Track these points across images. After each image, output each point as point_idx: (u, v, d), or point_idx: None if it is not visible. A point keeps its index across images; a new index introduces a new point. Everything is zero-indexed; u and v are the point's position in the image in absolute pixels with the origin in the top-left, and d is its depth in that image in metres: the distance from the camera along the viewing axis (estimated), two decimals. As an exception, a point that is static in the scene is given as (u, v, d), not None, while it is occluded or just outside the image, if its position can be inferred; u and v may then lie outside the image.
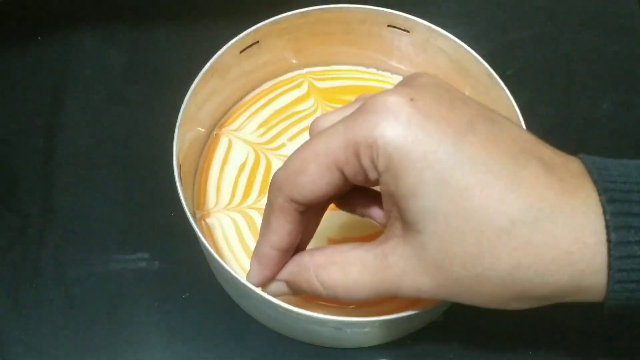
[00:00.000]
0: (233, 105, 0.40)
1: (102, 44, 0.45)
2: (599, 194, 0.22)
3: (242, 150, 0.38)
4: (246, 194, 0.37)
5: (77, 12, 0.46)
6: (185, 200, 0.30)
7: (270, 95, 0.41)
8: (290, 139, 0.39)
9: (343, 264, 0.25)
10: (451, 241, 0.22)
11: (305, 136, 0.39)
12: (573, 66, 0.46)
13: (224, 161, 0.38)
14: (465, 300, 0.25)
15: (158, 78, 0.44)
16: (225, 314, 0.36)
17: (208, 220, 0.36)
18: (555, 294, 0.23)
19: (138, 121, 0.42)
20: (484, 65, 0.35)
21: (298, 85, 0.41)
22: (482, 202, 0.22)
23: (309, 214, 0.27)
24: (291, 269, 0.27)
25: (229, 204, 0.37)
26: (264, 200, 0.36)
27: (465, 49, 0.36)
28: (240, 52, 0.36)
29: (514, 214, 0.22)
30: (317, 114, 0.40)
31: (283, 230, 0.26)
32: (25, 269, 0.37)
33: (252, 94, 0.41)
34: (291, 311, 0.28)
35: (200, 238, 0.30)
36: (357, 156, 0.23)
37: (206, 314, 0.36)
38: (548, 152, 0.24)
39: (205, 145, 0.39)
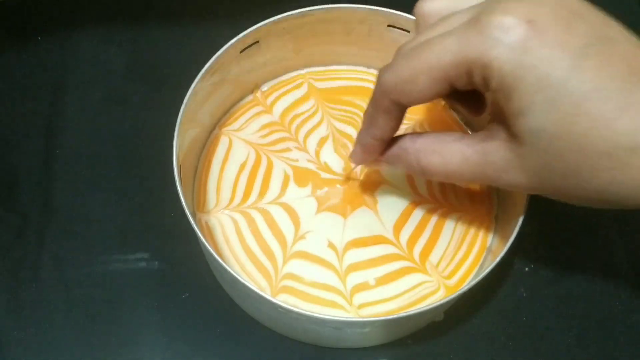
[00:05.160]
0: (233, 105, 0.40)
1: (102, 44, 0.45)
2: None
3: (243, 150, 0.38)
4: (246, 194, 0.37)
5: (77, 12, 0.46)
6: (185, 200, 0.30)
7: (271, 97, 0.41)
8: (291, 139, 0.39)
9: (443, 154, 0.28)
10: (552, 158, 0.24)
11: (310, 142, 0.39)
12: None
13: (224, 161, 0.38)
14: (557, 199, 0.26)
15: (158, 78, 0.44)
16: (225, 314, 0.36)
17: (208, 220, 0.36)
18: None
19: (138, 121, 0.42)
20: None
21: (298, 86, 0.41)
22: (588, 126, 0.23)
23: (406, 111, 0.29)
24: (394, 152, 0.30)
25: (229, 204, 0.37)
26: (265, 199, 0.37)
27: (465, 49, 0.36)
28: (241, 52, 0.36)
29: (617, 139, 0.22)
30: (318, 115, 0.40)
31: (386, 126, 0.29)
32: (25, 269, 0.37)
33: (252, 94, 0.41)
34: (291, 311, 0.28)
35: (200, 238, 0.30)
36: (470, 73, 0.24)
37: (206, 314, 0.36)
38: None
39: (205, 145, 0.39)
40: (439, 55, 0.25)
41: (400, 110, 0.28)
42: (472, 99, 0.29)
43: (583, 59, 0.23)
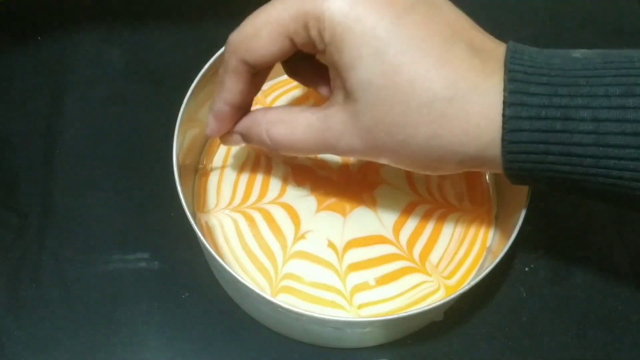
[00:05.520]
0: (233, 105, 0.40)
1: (102, 44, 0.45)
2: (504, 74, 0.24)
3: (242, 149, 0.38)
4: (247, 194, 0.37)
5: (77, 12, 0.46)
6: (185, 200, 0.30)
7: (271, 97, 0.41)
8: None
9: (291, 123, 0.28)
10: (381, 110, 0.25)
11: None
12: (573, 66, 0.46)
13: (224, 161, 0.38)
14: (392, 162, 0.27)
15: (158, 78, 0.44)
16: (225, 314, 0.36)
17: (208, 220, 0.36)
18: (466, 163, 0.26)
19: (138, 121, 0.42)
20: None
21: (298, 86, 0.41)
22: (411, 77, 0.24)
23: (259, 75, 0.29)
24: (246, 123, 0.31)
25: (229, 204, 0.37)
26: (265, 199, 0.37)
27: (465, 49, 0.36)
28: (240, 52, 0.36)
29: (436, 90, 0.24)
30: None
31: (236, 89, 0.29)
32: (25, 269, 0.37)
33: (252, 94, 0.41)
34: (291, 311, 0.28)
35: (200, 238, 0.30)
36: (306, 27, 0.26)
37: (206, 314, 0.36)
38: (480, 37, 0.26)
39: (205, 145, 0.39)
40: (278, 10, 0.26)
41: (248, 72, 0.28)
42: (313, 72, 0.31)
43: (408, 14, 0.25)
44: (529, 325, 0.36)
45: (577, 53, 0.25)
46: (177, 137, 0.32)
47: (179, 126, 0.32)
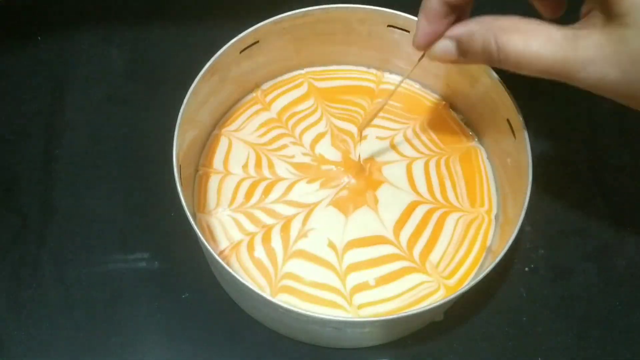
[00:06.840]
0: (233, 105, 0.40)
1: (102, 43, 0.45)
2: None
3: (243, 150, 0.38)
4: (249, 194, 0.37)
5: (77, 12, 0.46)
6: (185, 200, 0.30)
7: (271, 96, 0.41)
8: (287, 135, 0.39)
9: (527, 33, 0.25)
10: None
11: (306, 137, 0.39)
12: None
13: (225, 162, 0.38)
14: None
15: (158, 78, 0.44)
16: (225, 314, 0.36)
17: (208, 220, 0.36)
18: None
19: (138, 121, 0.42)
20: (484, 65, 0.35)
21: (298, 86, 0.41)
22: None
23: None
24: (469, 27, 0.27)
25: (230, 204, 0.37)
26: (267, 200, 0.37)
27: (466, 49, 0.36)
28: (240, 52, 0.36)
29: None
30: (317, 113, 0.40)
31: None
32: (25, 269, 0.37)
33: (252, 94, 0.41)
34: (291, 311, 0.28)
35: (200, 238, 0.30)
36: None
37: (206, 314, 0.36)
38: None
39: (205, 146, 0.39)
40: None
41: None
42: None
43: None
44: (529, 325, 0.36)
45: None
46: (177, 137, 0.32)
47: (179, 126, 0.32)
